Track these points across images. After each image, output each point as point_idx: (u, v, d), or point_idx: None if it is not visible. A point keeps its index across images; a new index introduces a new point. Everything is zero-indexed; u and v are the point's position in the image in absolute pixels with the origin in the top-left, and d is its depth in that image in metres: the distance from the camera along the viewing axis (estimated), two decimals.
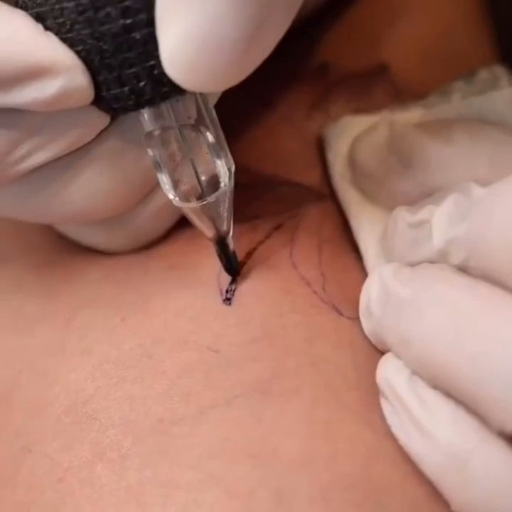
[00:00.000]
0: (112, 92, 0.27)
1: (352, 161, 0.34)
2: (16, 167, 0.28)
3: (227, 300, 0.31)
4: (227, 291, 0.31)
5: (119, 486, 0.27)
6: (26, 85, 0.25)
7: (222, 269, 0.31)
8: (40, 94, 0.26)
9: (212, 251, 0.31)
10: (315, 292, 0.31)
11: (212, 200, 0.29)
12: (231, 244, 0.31)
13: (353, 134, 0.35)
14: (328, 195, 0.35)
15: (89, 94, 0.26)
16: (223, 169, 0.29)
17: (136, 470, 0.27)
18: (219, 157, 0.29)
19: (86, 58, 0.26)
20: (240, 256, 0.32)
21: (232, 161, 0.29)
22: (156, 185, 0.31)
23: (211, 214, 0.30)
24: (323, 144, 0.36)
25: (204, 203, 0.29)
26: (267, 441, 0.27)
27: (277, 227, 0.33)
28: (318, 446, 0.27)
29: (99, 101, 0.27)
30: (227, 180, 0.29)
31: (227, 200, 0.30)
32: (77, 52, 0.26)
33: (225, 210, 0.30)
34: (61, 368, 0.31)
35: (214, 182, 0.29)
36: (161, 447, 0.27)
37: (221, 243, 0.31)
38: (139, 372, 0.29)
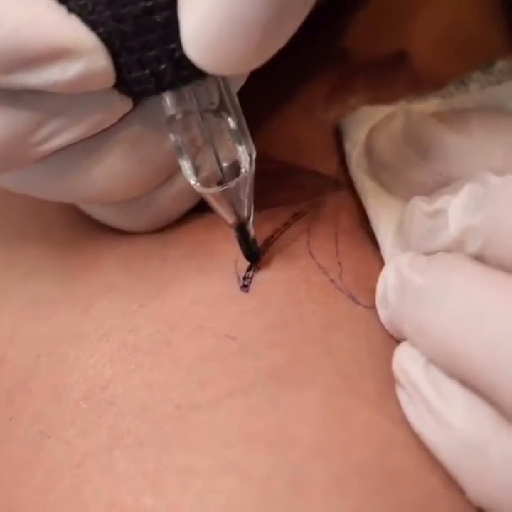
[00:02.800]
0: (133, 74, 0.27)
1: (369, 151, 0.34)
2: (38, 148, 0.28)
3: (245, 287, 0.31)
4: (244, 278, 0.31)
5: (137, 472, 0.27)
6: (48, 66, 0.25)
7: (240, 256, 0.31)
8: (62, 75, 0.26)
9: (229, 239, 0.31)
10: (332, 281, 0.31)
11: (232, 186, 0.29)
12: (251, 230, 0.31)
13: (370, 124, 0.35)
14: (346, 184, 0.35)
15: (111, 76, 0.27)
16: (244, 155, 0.29)
17: (153, 457, 0.27)
18: (240, 143, 0.29)
19: (107, 40, 0.26)
20: (258, 243, 0.32)
21: (253, 147, 0.29)
22: (177, 170, 0.31)
23: (232, 200, 0.30)
24: (340, 133, 0.36)
25: (225, 188, 0.29)
26: (282, 429, 0.27)
27: (295, 216, 0.33)
28: (334, 434, 0.27)
29: (120, 84, 0.27)
30: (248, 166, 0.29)
31: (247, 186, 0.30)
32: (99, 35, 0.26)
33: (246, 196, 0.30)
34: (79, 354, 0.31)
35: (235, 168, 0.29)
36: (178, 434, 0.27)
37: (241, 229, 0.31)
38: (156, 358, 0.29)
